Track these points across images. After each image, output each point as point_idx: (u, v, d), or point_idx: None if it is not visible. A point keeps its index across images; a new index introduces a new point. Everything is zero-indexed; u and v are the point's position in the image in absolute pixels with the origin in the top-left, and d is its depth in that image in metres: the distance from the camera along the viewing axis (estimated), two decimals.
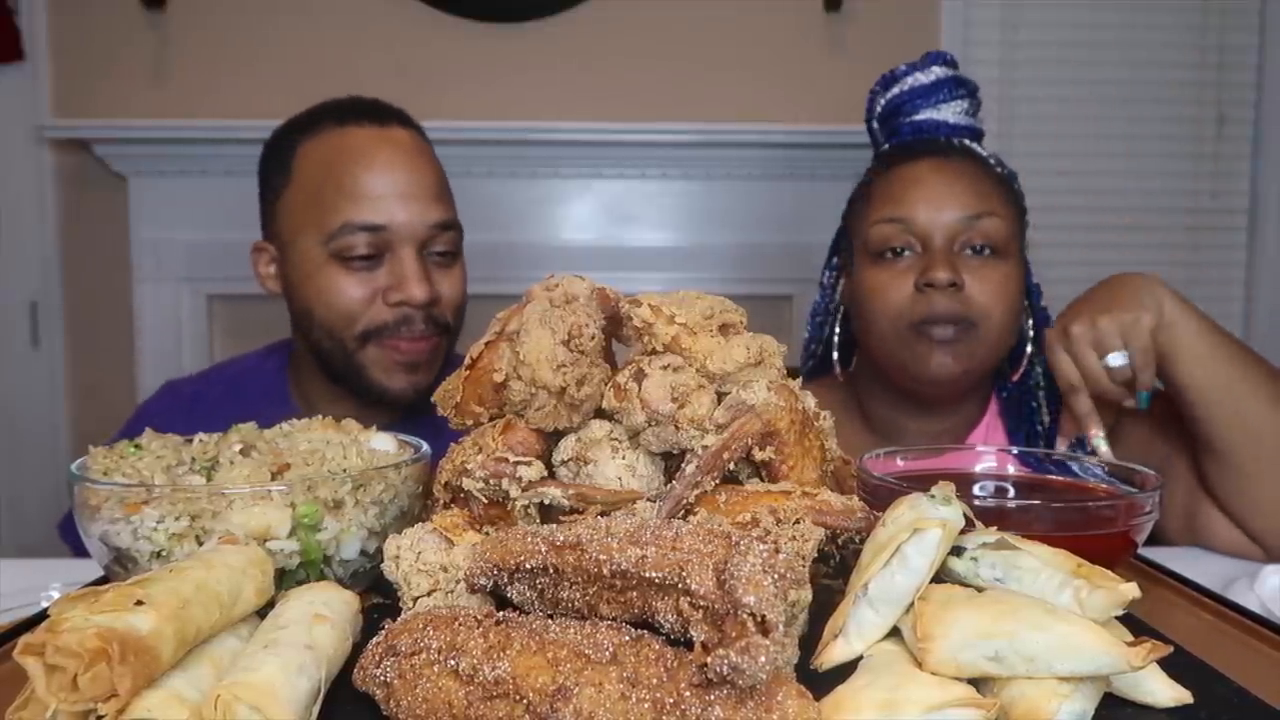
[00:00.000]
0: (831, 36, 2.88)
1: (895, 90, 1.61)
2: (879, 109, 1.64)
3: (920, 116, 1.58)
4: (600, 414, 0.86)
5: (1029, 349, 1.56)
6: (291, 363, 1.69)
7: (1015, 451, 1.09)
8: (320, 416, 1.01)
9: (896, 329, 1.47)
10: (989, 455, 1.09)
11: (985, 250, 1.45)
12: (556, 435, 0.86)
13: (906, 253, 1.47)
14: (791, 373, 0.91)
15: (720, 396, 0.84)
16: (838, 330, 1.66)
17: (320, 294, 1.51)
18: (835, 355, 1.66)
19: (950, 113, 1.58)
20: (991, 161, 1.56)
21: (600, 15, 2.84)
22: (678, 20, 2.86)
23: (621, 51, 2.86)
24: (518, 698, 0.58)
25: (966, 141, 1.57)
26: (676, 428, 0.81)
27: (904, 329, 1.46)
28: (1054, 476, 1.01)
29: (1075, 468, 1.02)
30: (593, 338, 0.83)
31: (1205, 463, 1.34)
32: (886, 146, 1.63)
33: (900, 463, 0.99)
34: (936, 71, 1.58)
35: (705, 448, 0.80)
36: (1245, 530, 1.31)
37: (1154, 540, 1.32)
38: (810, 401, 0.87)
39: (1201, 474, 1.36)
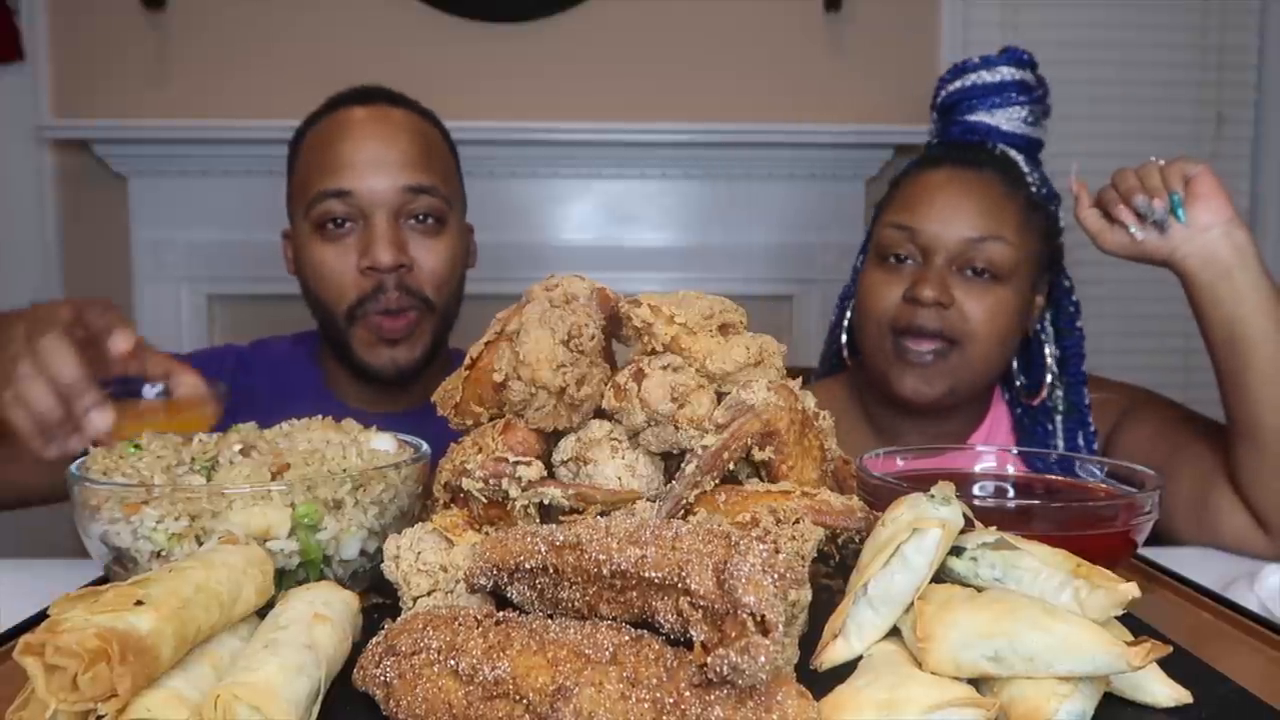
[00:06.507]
0: (831, 36, 2.87)
1: (957, 84, 1.54)
2: (940, 99, 1.58)
3: (973, 118, 1.53)
4: (600, 414, 0.86)
5: (1049, 377, 1.52)
6: (321, 350, 1.72)
7: (1015, 451, 1.09)
8: (320, 416, 1.01)
9: (880, 332, 1.46)
10: (989, 455, 1.09)
11: (985, 274, 1.42)
12: (556, 435, 0.86)
13: (909, 261, 1.45)
14: (791, 373, 0.91)
15: (720, 396, 0.84)
16: (848, 317, 1.64)
17: (308, 267, 1.55)
18: (844, 339, 1.63)
19: (1004, 119, 1.52)
20: (1029, 180, 1.50)
21: (600, 15, 2.84)
22: (678, 20, 2.85)
23: (621, 51, 2.86)
24: (518, 698, 0.58)
25: (1012, 153, 1.52)
26: (676, 428, 0.81)
27: (886, 334, 1.45)
28: (1054, 476, 1.01)
29: (1075, 468, 1.02)
30: (592, 338, 0.83)
31: (1239, 450, 1.28)
32: (933, 143, 1.59)
33: (900, 462, 0.99)
34: (1003, 72, 1.51)
35: (705, 448, 0.80)
36: (1267, 525, 1.27)
37: (1161, 537, 1.31)
38: (810, 401, 0.87)
39: (1230, 466, 1.30)
